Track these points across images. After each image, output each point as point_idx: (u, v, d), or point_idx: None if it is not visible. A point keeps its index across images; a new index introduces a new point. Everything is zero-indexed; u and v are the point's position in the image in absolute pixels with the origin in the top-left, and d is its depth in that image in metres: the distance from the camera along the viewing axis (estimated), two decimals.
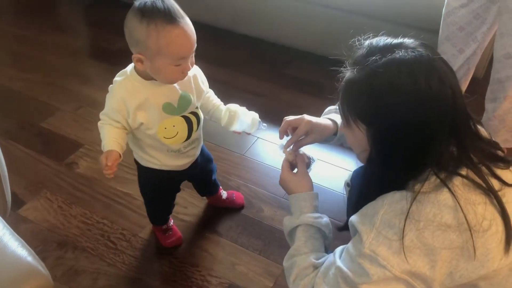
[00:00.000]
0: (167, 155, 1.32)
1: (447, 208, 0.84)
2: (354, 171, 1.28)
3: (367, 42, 0.93)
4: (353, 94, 0.91)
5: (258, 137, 2.05)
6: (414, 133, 0.86)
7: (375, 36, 0.95)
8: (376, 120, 0.89)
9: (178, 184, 1.53)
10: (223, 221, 1.71)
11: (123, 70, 1.23)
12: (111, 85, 1.22)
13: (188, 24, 1.09)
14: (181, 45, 1.09)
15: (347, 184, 1.31)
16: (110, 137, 1.17)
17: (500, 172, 0.91)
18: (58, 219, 1.69)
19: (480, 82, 2.15)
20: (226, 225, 1.70)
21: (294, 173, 1.20)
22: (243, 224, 1.70)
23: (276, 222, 1.69)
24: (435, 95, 0.84)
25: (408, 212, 0.84)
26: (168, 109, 1.22)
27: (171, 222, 1.63)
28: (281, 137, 1.25)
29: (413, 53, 0.86)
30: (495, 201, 0.86)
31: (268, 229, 1.68)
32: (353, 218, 0.97)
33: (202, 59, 1.31)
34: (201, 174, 1.54)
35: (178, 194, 1.64)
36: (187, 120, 1.26)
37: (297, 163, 1.21)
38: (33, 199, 1.76)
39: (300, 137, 1.22)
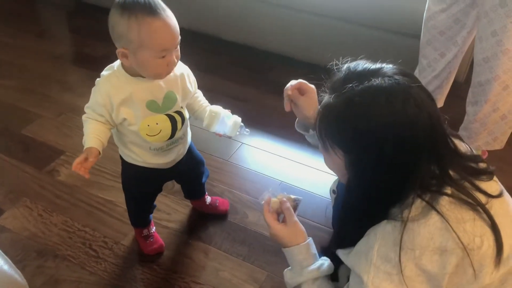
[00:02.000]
0: (149, 153, 1.31)
1: (438, 231, 0.84)
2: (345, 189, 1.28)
3: (345, 67, 0.94)
4: (330, 120, 0.91)
5: (242, 143, 2.04)
6: (392, 160, 0.85)
7: (353, 59, 0.95)
8: (353, 147, 0.89)
9: (160, 183, 1.51)
10: (206, 227, 1.69)
11: (110, 65, 1.22)
12: (97, 79, 1.21)
13: (169, 16, 1.09)
14: (163, 36, 1.09)
15: (333, 191, 1.31)
16: (92, 134, 1.17)
17: (484, 184, 0.91)
18: (38, 228, 1.66)
19: (462, 86, 2.17)
20: (209, 231, 1.68)
21: (283, 225, 1.14)
22: (227, 230, 1.68)
23: (260, 227, 1.68)
24: (411, 121, 0.83)
25: (400, 243, 0.84)
26: (152, 106, 1.21)
27: (153, 228, 1.61)
28: (289, 92, 1.19)
29: (390, 81, 0.85)
30: (484, 215, 0.86)
31: (252, 235, 1.66)
32: (347, 261, 0.96)
33: (186, 64, 1.31)
34: (189, 175, 1.53)
35: (161, 200, 1.62)
36: (171, 118, 1.25)
37: (282, 211, 1.17)
38: (12, 208, 1.72)
39: (302, 85, 1.18)
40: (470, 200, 0.87)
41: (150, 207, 1.57)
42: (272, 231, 1.14)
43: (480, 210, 0.87)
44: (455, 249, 0.83)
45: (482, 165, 0.96)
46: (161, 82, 1.20)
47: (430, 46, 1.80)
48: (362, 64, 0.91)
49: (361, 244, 0.93)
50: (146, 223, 1.58)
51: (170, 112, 1.25)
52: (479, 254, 0.84)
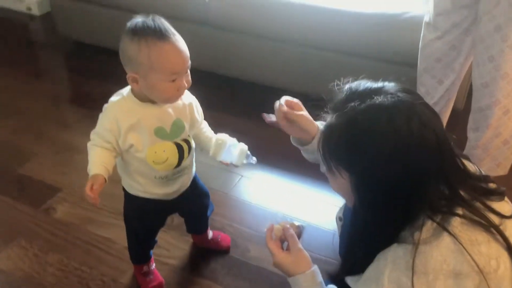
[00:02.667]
0: (154, 182, 1.28)
1: (451, 253, 0.80)
2: (345, 204, 1.24)
3: (346, 86, 0.92)
4: (333, 140, 0.89)
5: (242, 175, 2.01)
6: (398, 180, 0.83)
7: (355, 79, 0.94)
8: (358, 167, 0.86)
9: (164, 216, 1.47)
10: (207, 263, 1.64)
11: (119, 91, 1.22)
12: (105, 105, 1.20)
13: (179, 40, 1.10)
14: (173, 60, 1.09)
15: (339, 218, 1.27)
16: (97, 161, 1.15)
17: (496, 205, 0.88)
18: (33, 268, 1.60)
19: (461, 114, 2.17)
20: (210, 267, 1.62)
21: (287, 253, 1.10)
22: (229, 265, 1.63)
23: (263, 262, 1.63)
24: (417, 139, 0.81)
25: (413, 267, 0.80)
26: (160, 133, 1.20)
27: (153, 265, 1.55)
28: (285, 109, 1.20)
29: (393, 99, 0.84)
30: (498, 237, 0.83)
31: (255, 270, 1.61)
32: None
33: None
34: (193, 208, 1.50)
35: (160, 236, 1.57)
36: (179, 146, 1.24)
37: (286, 238, 1.13)
38: (6, 248, 1.66)
39: (292, 103, 1.20)
40: (483, 221, 0.83)
41: (151, 242, 1.52)
42: (275, 259, 1.10)
43: (494, 231, 0.83)
44: (470, 272, 0.79)
45: (492, 185, 0.93)
46: (170, 109, 1.20)
47: (427, 73, 1.81)
48: (364, 84, 0.90)
49: (370, 269, 0.89)
50: (147, 259, 1.53)
51: (178, 140, 1.24)
52: (496, 278, 0.81)
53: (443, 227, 0.82)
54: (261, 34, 2.38)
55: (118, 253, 1.65)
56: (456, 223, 0.83)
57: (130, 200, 1.36)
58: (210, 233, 1.67)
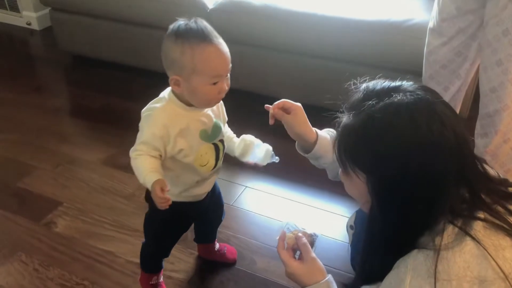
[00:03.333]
0: (194, 184, 1.27)
1: (475, 259, 0.77)
2: (357, 212, 1.21)
3: (363, 86, 0.90)
4: (350, 140, 0.86)
5: (246, 186, 1.98)
6: (418, 181, 0.80)
7: (372, 79, 0.91)
8: (375, 168, 0.83)
9: (191, 220, 1.45)
10: (213, 276, 1.59)
11: (158, 97, 1.19)
12: (147, 113, 1.16)
13: (222, 43, 1.11)
14: (216, 62, 1.09)
15: (350, 227, 1.23)
16: (152, 168, 1.11)
17: None
18: (33, 283, 1.56)
19: (466, 122, 2.15)
20: (216, 280, 1.58)
21: (301, 262, 1.07)
22: (235, 278, 1.58)
23: (270, 273, 1.58)
24: (437, 139, 0.79)
25: (435, 274, 0.76)
26: (204, 135, 1.20)
27: (161, 278, 1.52)
28: (268, 108, 1.20)
29: (412, 97, 0.81)
30: None
31: (262, 282, 1.56)
32: None
33: None
34: (213, 210, 1.49)
35: None
36: (216, 147, 1.24)
37: (299, 247, 1.09)
38: (6, 263, 1.62)
39: (286, 103, 1.17)
40: (506, 226, 0.80)
41: (171, 247, 1.48)
42: (288, 269, 1.06)
43: None
44: (495, 279, 0.76)
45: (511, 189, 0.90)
46: (209, 111, 1.21)
47: (433, 81, 1.78)
48: (381, 83, 0.87)
49: (390, 277, 0.85)
50: (158, 269, 1.50)
51: (216, 141, 1.24)
52: None
53: (466, 231, 0.78)
54: (262, 44, 2.37)
55: (121, 267, 1.61)
56: (478, 228, 0.80)
57: (160, 209, 1.32)
58: (217, 245, 1.64)
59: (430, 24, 1.72)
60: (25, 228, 1.78)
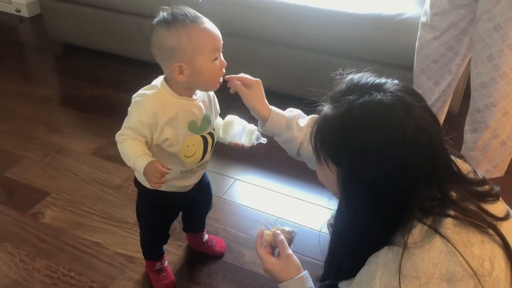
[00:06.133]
0: (178, 176, 1.26)
1: (444, 256, 0.77)
2: (337, 210, 1.21)
3: (348, 78, 0.90)
4: (325, 131, 0.87)
5: (236, 179, 1.97)
6: (386, 180, 0.80)
7: (358, 71, 0.91)
8: (345, 161, 0.84)
9: (178, 208, 1.46)
10: (200, 268, 1.59)
11: (150, 84, 1.19)
12: (137, 99, 1.16)
13: (208, 21, 1.14)
14: (212, 36, 1.12)
15: (330, 225, 1.23)
16: (141, 151, 1.12)
17: (490, 207, 0.85)
18: (20, 275, 1.54)
19: (455, 118, 2.15)
20: (204, 272, 1.58)
21: (277, 259, 1.09)
22: (223, 270, 1.58)
23: (257, 266, 1.58)
24: (410, 142, 0.78)
25: (400, 270, 0.77)
26: (192, 127, 1.20)
27: (166, 262, 1.53)
28: (229, 84, 1.22)
29: (392, 97, 0.81)
30: (495, 237, 0.80)
31: (249, 275, 1.56)
32: None
33: None
34: (201, 200, 1.49)
35: None
36: (204, 140, 1.24)
37: (276, 244, 1.11)
38: None
39: (244, 79, 1.21)
40: (476, 222, 0.80)
41: (166, 236, 1.50)
42: (265, 265, 1.08)
43: (490, 231, 0.81)
44: (464, 275, 0.76)
45: (487, 187, 0.90)
46: (201, 103, 1.21)
47: (424, 75, 1.78)
48: (366, 77, 0.87)
49: (362, 273, 0.85)
50: (160, 255, 1.52)
51: (205, 133, 1.24)
52: (491, 280, 0.77)
53: (434, 229, 0.79)
54: (253, 36, 2.35)
55: (108, 259, 1.60)
56: (448, 225, 0.80)
57: (146, 195, 1.34)
58: (206, 236, 1.64)
59: (423, 19, 1.72)
60: (12, 218, 1.77)
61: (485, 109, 1.60)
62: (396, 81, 0.86)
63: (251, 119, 1.27)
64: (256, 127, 1.27)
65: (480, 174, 0.93)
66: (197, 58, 1.10)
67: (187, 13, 1.10)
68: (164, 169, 1.08)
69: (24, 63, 3.03)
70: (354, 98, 0.83)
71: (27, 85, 2.70)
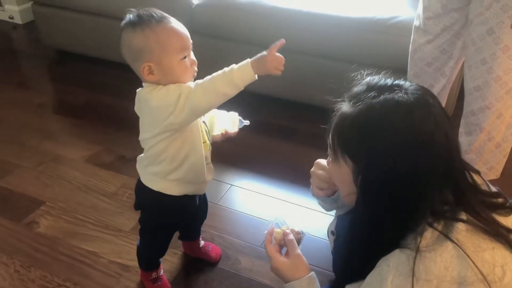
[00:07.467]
0: (201, 169, 1.27)
1: (455, 260, 0.78)
2: (337, 217, 1.21)
3: (367, 79, 0.92)
4: (344, 126, 0.88)
5: (231, 185, 1.96)
6: (402, 177, 0.81)
7: (376, 73, 0.94)
8: (364, 156, 0.85)
9: (184, 215, 1.41)
10: (197, 275, 1.58)
11: (141, 88, 1.21)
12: (146, 95, 1.16)
13: (175, 21, 1.15)
14: (180, 35, 1.13)
15: (331, 232, 1.23)
16: (229, 67, 1.15)
17: (502, 219, 0.86)
18: (14, 285, 1.53)
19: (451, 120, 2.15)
20: (200, 280, 1.57)
21: (285, 258, 1.09)
22: (219, 278, 1.57)
23: (254, 273, 1.58)
24: (428, 139, 0.80)
25: (413, 273, 0.77)
26: None
27: (161, 271, 1.52)
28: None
29: (413, 95, 0.83)
30: (506, 245, 0.81)
31: (246, 282, 1.56)
32: None
33: None
34: (197, 212, 1.49)
35: None
36: (204, 126, 1.28)
37: (285, 243, 1.11)
38: None
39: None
40: (487, 228, 0.81)
41: (167, 246, 1.49)
42: (273, 263, 1.09)
43: (501, 240, 0.81)
44: (475, 280, 0.76)
45: (501, 200, 0.91)
46: None
47: (418, 79, 1.78)
48: (384, 78, 0.89)
49: (372, 276, 0.85)
50: (157, 265, 1.51)
51: (201, 120, 1.26)
52: (502, 286, 0.77)
53: (446, 234, 0.79)
54: (247, 40, 2.34)
55: (104, 268, 1.59)
56: (460, 229, 0.81)
57: (155, 201, 1.29)
58: (202, 242, 1.64)
59: (416, 22, 1.72)
60: (6, 228, 1.75)
61: (479, 112, 1.60)
62: (412, 83, 0.89)
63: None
64: (237, 113, 1.32)
65: (495, 188, 0.94)
66: (165, 57, 1.11)
67: (153, 13, 1.12)
68: (280, 55, 1.14)
69: (17, 69, 3.02)
70: (375, 94, 0.85)
71: (20, 92, 2.69)
